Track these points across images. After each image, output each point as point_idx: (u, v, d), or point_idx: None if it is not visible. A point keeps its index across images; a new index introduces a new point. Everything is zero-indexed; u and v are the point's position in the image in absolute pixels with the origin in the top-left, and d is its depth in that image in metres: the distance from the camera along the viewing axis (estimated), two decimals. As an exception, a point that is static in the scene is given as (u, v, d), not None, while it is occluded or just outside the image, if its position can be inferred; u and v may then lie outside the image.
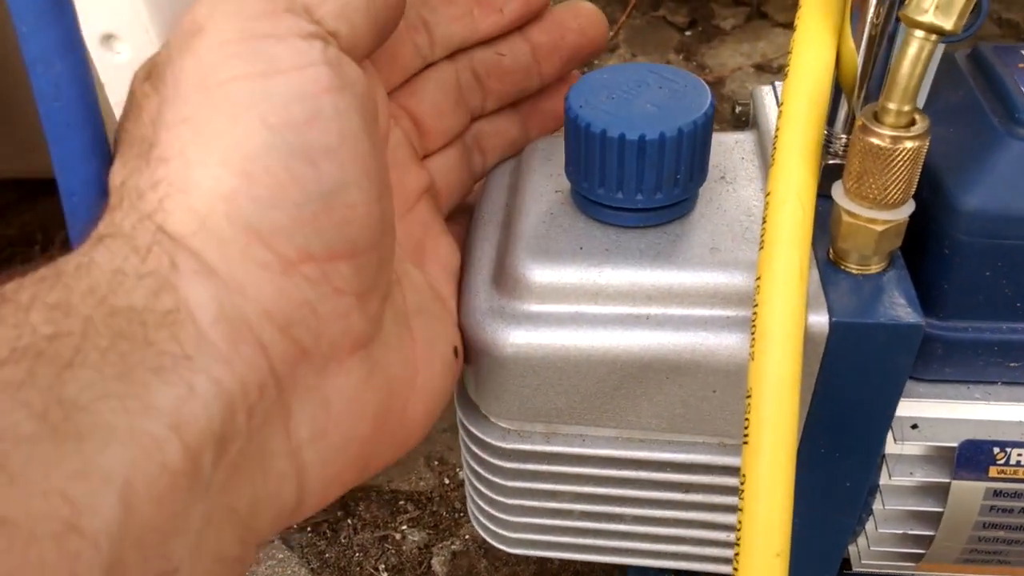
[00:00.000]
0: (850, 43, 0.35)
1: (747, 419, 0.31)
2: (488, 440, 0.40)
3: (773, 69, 0.94)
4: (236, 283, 0.26)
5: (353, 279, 0.29)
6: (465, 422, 0.40)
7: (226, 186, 0.26)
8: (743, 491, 0.30)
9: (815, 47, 0.34)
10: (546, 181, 0.41)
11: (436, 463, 0.59)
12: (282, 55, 0.28)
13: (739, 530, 0.30)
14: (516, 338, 0.36)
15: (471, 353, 0.38)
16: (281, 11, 0.29)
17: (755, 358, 0.31)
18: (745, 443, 0.31)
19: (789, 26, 1.08)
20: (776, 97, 0.44)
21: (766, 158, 0.41)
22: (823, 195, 0.34)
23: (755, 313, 0.31)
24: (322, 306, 0.28)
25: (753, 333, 0.31)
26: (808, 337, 0.33)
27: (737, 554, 0.30)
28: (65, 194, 0.26)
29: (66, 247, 0.26)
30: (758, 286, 0.32)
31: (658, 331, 0.35)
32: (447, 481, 0.58)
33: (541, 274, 0.36)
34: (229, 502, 0.26)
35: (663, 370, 0.36)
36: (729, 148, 0.42)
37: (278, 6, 0.29)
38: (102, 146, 0.27)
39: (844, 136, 0.37)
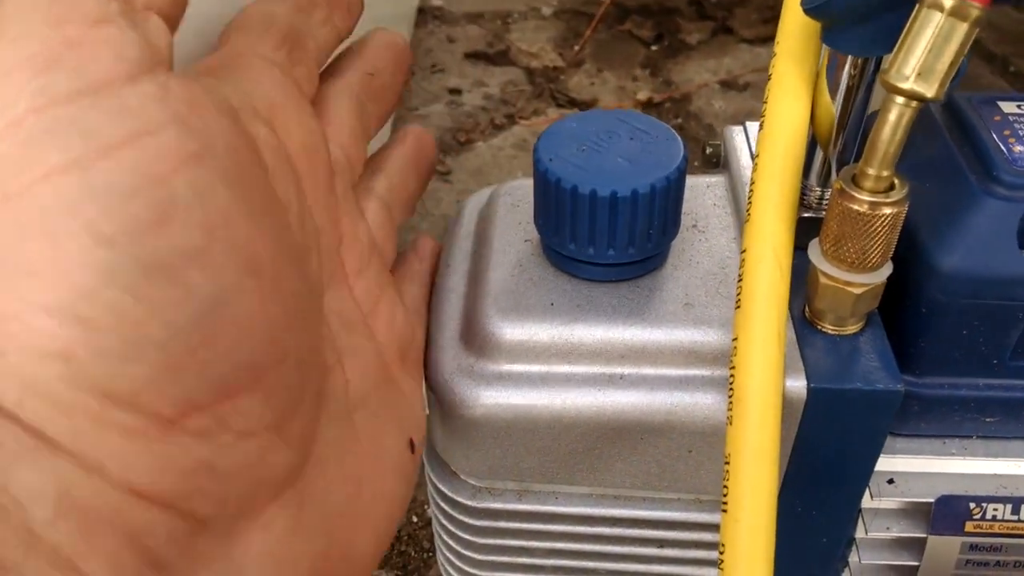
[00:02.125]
0: (826, 95, 0.34)
1: (725, 486, 0.30)
2: (457, 499, 0.38)
3: (739, 86, 0.93)
4: (91, 459, 0.19)
5: (263, 411, 0.22)
6: (433, 479, 0.39)
7: (57, 342, 0.19)
8: (722, 562, 0.29)
9: (790, 99, 0.34)
10: (514, 230, 0.40)
11: (404, 502, 0.58)
12: (104, 123, 0.19)
13: (718, 608, 0.29)
14: (486, 399, 0.35)
15: (440, 412, 0.36)
16: (95, 21, 0.20)
17: (733, 423, 0.30)
18: (724, 511, 0.30)
19: (755, 42, 1.08)
20: (747, 137, 0.43)
21: (739, 203, 0.40)
22: (798, 247, 0.33)
23: (732, 376, 0.31)
24: (223, 460, 0.21)
25: (730, 396, 0.30)
26: (785, 402, 0.32)
27: (716, 633, 0.29)
28: None
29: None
30: (735, 348, 0.31)
31: (631, 391, 0.34)
32: (415, 519, 0.57)
33: (511, 332, 0.35)
34: None
35: (637, 431, 0.35)
36: (701, 192, 0.41)
37: (88, 11, 0.20)
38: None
39: (819, 189, 0.36)
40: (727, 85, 0.93)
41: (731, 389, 0.31)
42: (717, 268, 0.37)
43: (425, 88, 0.94)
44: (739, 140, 0.43)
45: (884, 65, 0.28)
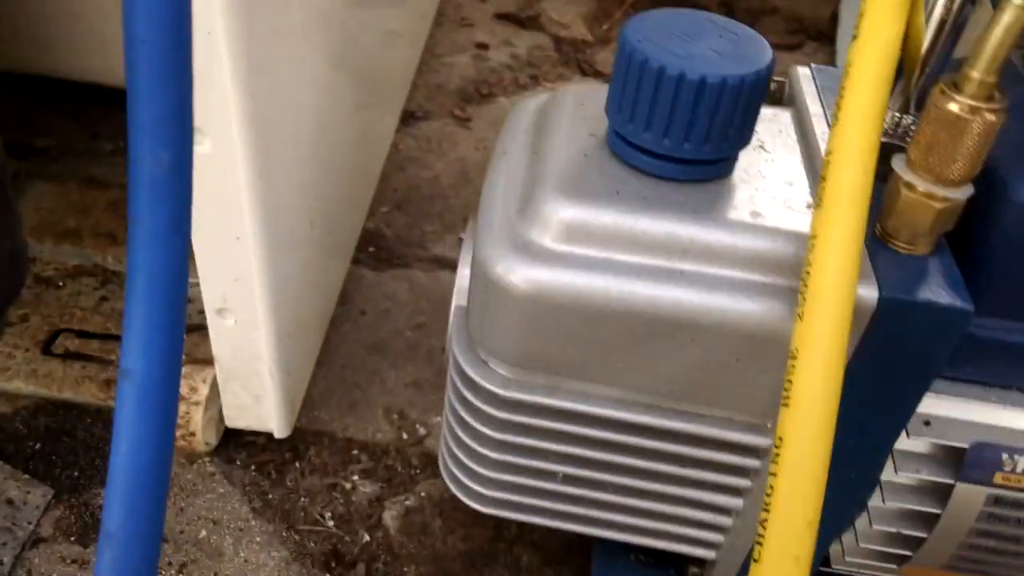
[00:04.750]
0: (921, 18, 0.34)
1: (789, 381, 0.29)
2: (486, 386, 0.37)
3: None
4: None
5: None
6: (462, 364, 0.38)
7: None
8: (778, 455, 0.29)
9: (887, 13, 0.33)
10: (580, 124, 0.39)
11: (395, 416, 0.57)
12: None
13: (769, 495, 0.28)
14: (537, 275, 0.34)
15: (483, 288, 0.35)
16: None
17: (804, 318, 0.29)
18: (784, 405, 0.29)
19: (780, 47, 1.09)
20: (815, 79, 0.43)
21: (806, 135, 0.39)
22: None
23: (807, 271, 0.30)
24: None
25: (803, 293, 0.30)
26: (854, 312, 0.31)
27: (764, 521, 0.28)
28: (131, 40, 0.23)
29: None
30: (812, 245, 0.30)
31: (690, 288, 0.34)
32: (405, 436, 0.56)
33: (573, 213, 0.34)
34: None
35: (690, 329, 0.34)
36: (766, 120, 0.41)
37: None
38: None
39: (897, 115, 0.36)
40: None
41: (804, 286, 0.30)
42: (784, 185, 0.36)
43: (452, 39, 0.93)
44: (805, 79, 0.43)
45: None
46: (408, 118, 0.82)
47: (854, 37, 0.34)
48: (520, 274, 0.34)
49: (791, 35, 1.06)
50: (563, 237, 0.34)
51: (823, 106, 0.41)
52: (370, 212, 0.70)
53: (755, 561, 0.28)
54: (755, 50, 0.34)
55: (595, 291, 0.34)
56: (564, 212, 0.34)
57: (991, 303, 0.34)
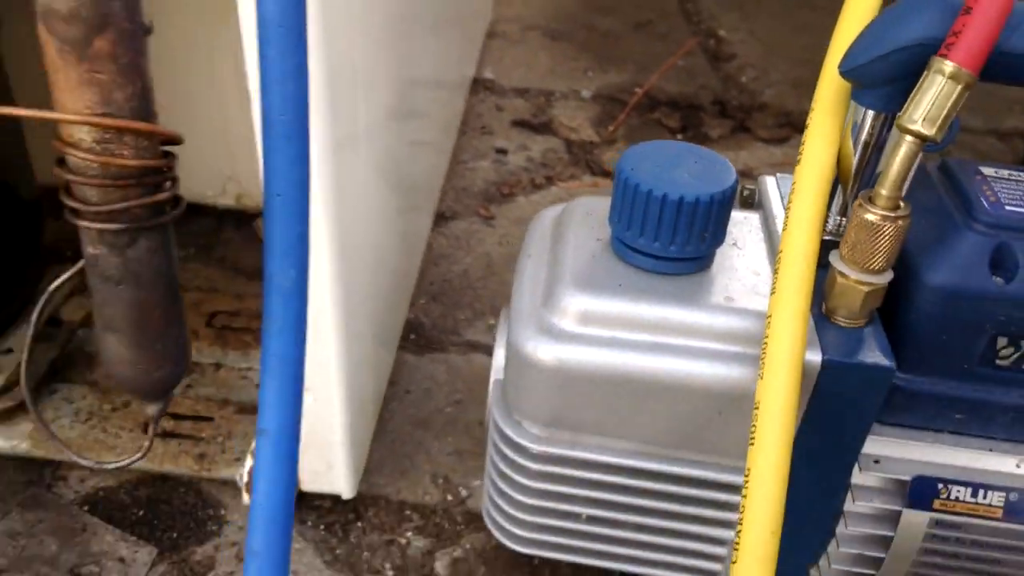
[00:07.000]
0: (849, 145, 0.44)
1: (754, 425, 0.38)
2: (521, 442, 0.47)
3: (754, 177, 1.04)
4: None
5: None
6: (501, 425, 0.47)
7: None
8: (747, 480, 0.38)
9: (823, 141, 0.43)
10: (589, 231, 0.49)
11: (441, 481, 0.66)
12: None
13: (742, 511, 0.37)
14: (560, 353, 0.43)
15: (517, 364, 0.45)
16: None
17: (764, 377, 0.39)
18: (751, 444, 0.38)
19: (770, 141, 1.21)
20: (778, 185, 0.53)
21: (770, 233, 0.49)
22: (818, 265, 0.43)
23: (765, 342, 0.39)
24: None
25: (763, 359, 0.39)
26: (805, 371, 0.41)
27: (739, 531, 0.37)
28: (270, 195, 0.33)
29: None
30: (769, 321, 0.40)
31: (680, 359, 0.43)
32: (450, 497, 0.65)
33: (586, 303, 0.44)
34: None
35: (679, 391, 0.43)
36: (739, 222, 0.51)
37: None
38: (307, 158, 0.33)
39: (838, 218, 0.46)
40: (743, 175, 1.04)
41: (763, 355, 0.39)
42: (752, 276, 0.46)
43: (475, 146, 1.05)
44: (771, 187, 0.53)
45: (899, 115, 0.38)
46: (439, 219, 0.93)
47: (798, 162, 0.44)
48: (546, 351, 0.44)
49: (779, 129, 1.18)
50: (579, 321, 0.44)
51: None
52: (411, 303, 0.81)
53: (733, 563, 0.37)
54: (723, 173, 0.45)
55: (605, 363, 0.43)
56: (579, 302, 0.44)
57: (914, 363, 0.43)
